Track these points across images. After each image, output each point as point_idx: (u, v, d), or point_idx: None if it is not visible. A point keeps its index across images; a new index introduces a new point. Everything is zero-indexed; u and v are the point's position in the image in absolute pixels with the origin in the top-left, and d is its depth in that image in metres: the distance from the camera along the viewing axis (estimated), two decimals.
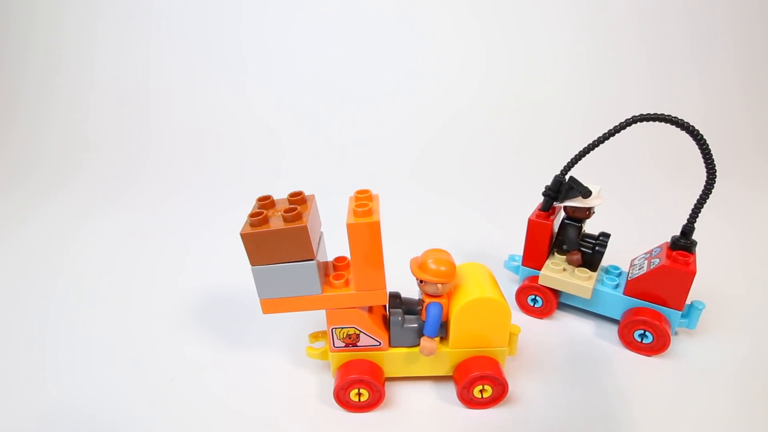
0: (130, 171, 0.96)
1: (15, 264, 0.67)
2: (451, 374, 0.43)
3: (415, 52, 1.14)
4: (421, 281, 0.39)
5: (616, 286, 0.51)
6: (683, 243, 0.47)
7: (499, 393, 0.41)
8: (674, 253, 0.47)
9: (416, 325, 0.41)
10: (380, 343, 0.41)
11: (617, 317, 0.50)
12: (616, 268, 0.52)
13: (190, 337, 0.52)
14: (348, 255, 0.41)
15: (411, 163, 1.00)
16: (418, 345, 0.41)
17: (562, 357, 0.47)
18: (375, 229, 0.36)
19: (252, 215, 0.37)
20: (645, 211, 0.78)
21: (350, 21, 1.15)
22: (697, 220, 0.46)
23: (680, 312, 0.47)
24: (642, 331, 0.47)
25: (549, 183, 0.51)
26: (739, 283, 0.58)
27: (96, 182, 0.92)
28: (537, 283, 0.52)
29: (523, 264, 0.54)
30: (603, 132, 0.46)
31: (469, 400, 0.42)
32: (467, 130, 1.07)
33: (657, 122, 0.48)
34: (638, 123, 0.45)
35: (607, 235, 0.52)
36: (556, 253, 0.54)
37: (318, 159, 1.02)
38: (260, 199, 0.40)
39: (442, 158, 1.02)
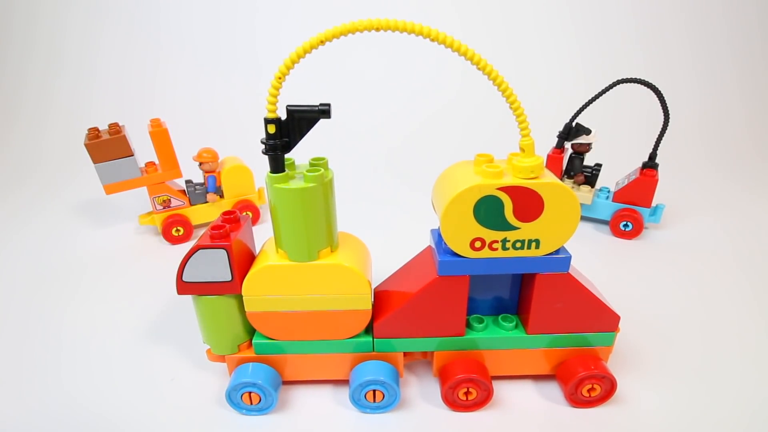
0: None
1: (17, 264, 0.67)
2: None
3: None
4: (201, 163, 0.72)
5: (607, 197, 0.75)
6: (650, 164, 0.72)
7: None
8: (644, 170, 0.72)
9: (201, 191, 0.74)
10: (184, 203, 0.72)
11: (608, 218, 0.75)
12: (607, 188, 0.77)
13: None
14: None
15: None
16: (206, 202, 0.74)
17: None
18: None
19: (89, 135, 0.63)
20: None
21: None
22: (658, 148, 0.71)
23: (648, 210, 0.73)
24: (626, 222, 0.72)
25: (560, 130, 0.74)
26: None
27: (97, 183, 0.91)
28: None
29: None
30: (594, 94, 0.70)
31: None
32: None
33: (632, 84, 0.72)
34: (619, 85, 0.69)
35: (599, 165, 0.76)
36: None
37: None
38: (92, 130, 0.66)
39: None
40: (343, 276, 0.36)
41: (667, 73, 1.16)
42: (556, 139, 0.75)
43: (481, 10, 1.28)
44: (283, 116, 0.32)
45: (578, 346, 0.41)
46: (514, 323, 0.41)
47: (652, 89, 0.67)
